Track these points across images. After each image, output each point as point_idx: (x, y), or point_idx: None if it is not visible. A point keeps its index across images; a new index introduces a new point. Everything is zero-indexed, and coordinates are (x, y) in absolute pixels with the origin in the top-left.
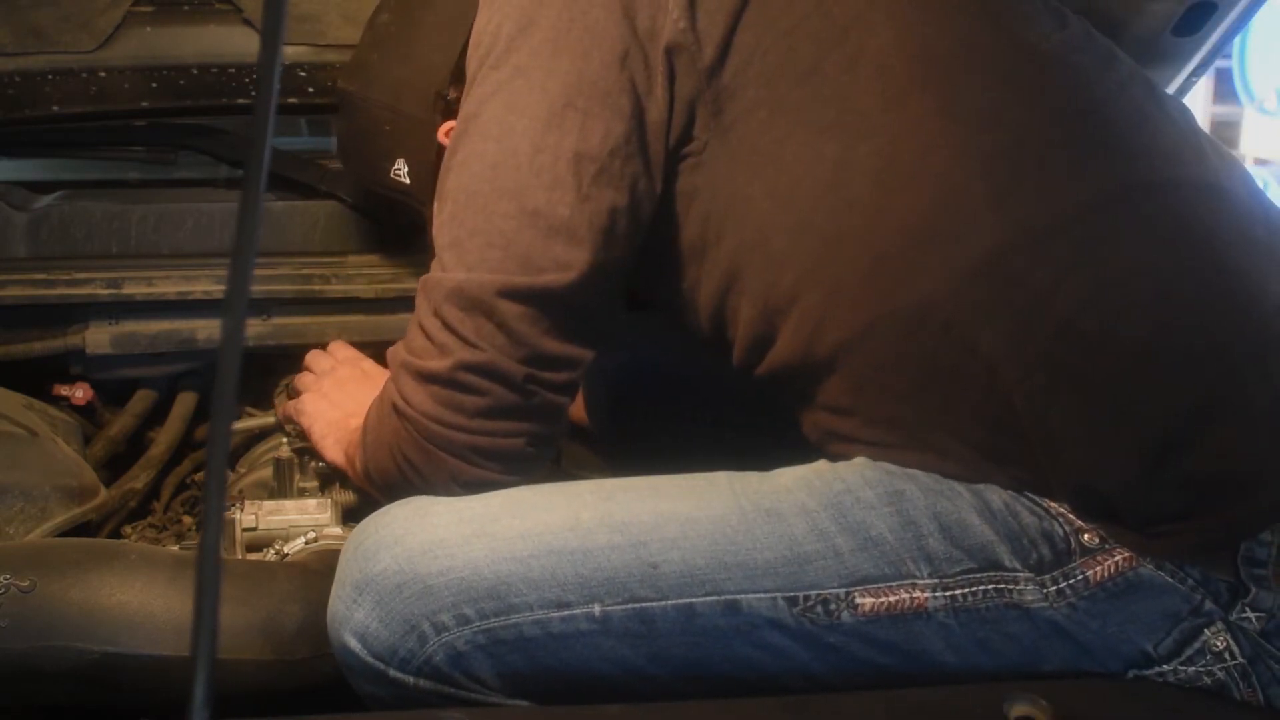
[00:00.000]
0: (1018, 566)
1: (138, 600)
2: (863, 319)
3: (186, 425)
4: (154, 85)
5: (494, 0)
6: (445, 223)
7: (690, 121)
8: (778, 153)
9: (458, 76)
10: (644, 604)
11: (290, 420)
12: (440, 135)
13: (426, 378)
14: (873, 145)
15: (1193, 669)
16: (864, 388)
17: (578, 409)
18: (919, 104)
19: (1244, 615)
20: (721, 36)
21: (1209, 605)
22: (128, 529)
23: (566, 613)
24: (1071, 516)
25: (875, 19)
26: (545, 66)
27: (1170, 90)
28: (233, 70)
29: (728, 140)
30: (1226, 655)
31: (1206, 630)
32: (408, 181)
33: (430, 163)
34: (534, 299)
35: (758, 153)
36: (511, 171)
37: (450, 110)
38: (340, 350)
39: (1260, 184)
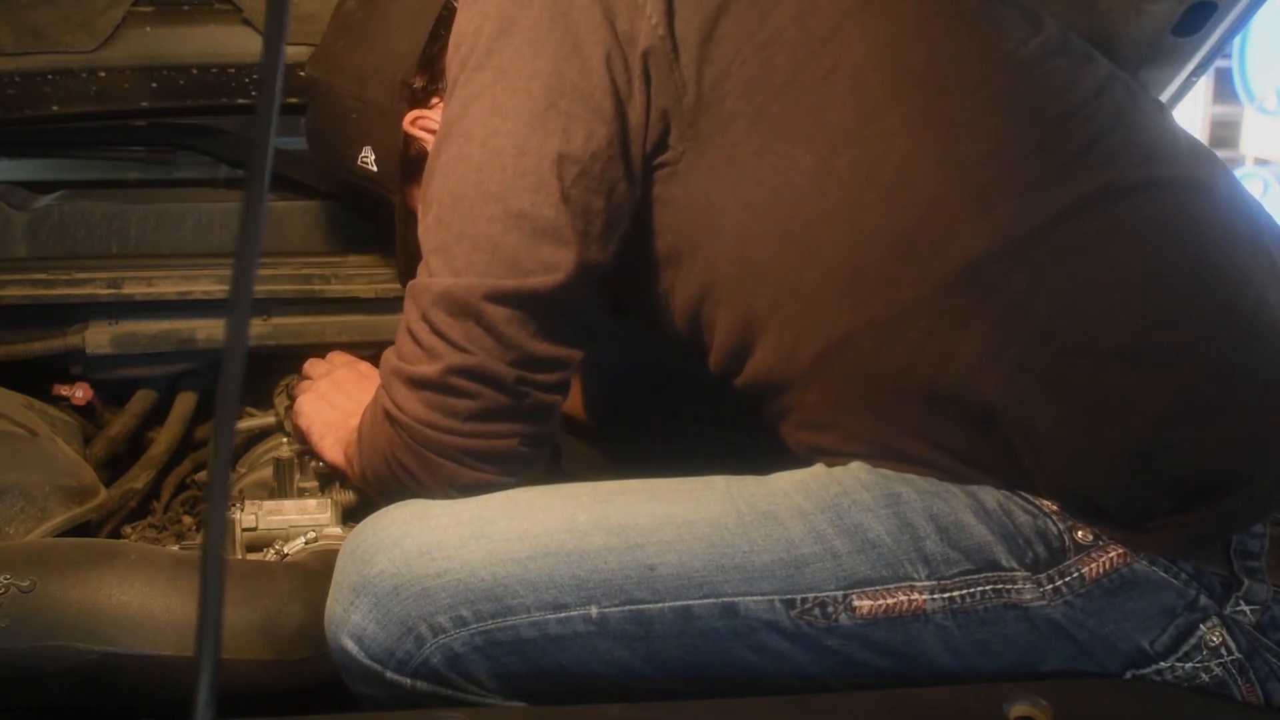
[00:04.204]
0: (1014, 566)
1: (138, 600)
2: (840, 330)
3: (186, 425)
4: (154, 85)
5: (474, 0)
6: (431, 227)
7: (665, 131)
8: (755, 164)
9: (424, 65)
10: (641, 606)
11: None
12: (406, 124)
13: (417, 383)
14: (851, 158)
15: (1190, 665)
16: (843, 400)
17: (577, 408)
18: (896, 116)
19: (1238, 609)
20: (698, 45)
21: (1203, 600)
22: (128, 529)
23: (563, 614)
24: (1064, 514)
25: (852, 32)
26: (527, 68)
27: (1170, 90)
28: (233, 70)
29: (705, 151)
30: (1223, 650)
31: (1202, 625)
32: (375, 169)
33: (396, 151)
34: (522, 302)
35: (735, 164)
36: (496, 174)
37: (416, 99)
38: (337, 356)
39: (1260, 184)
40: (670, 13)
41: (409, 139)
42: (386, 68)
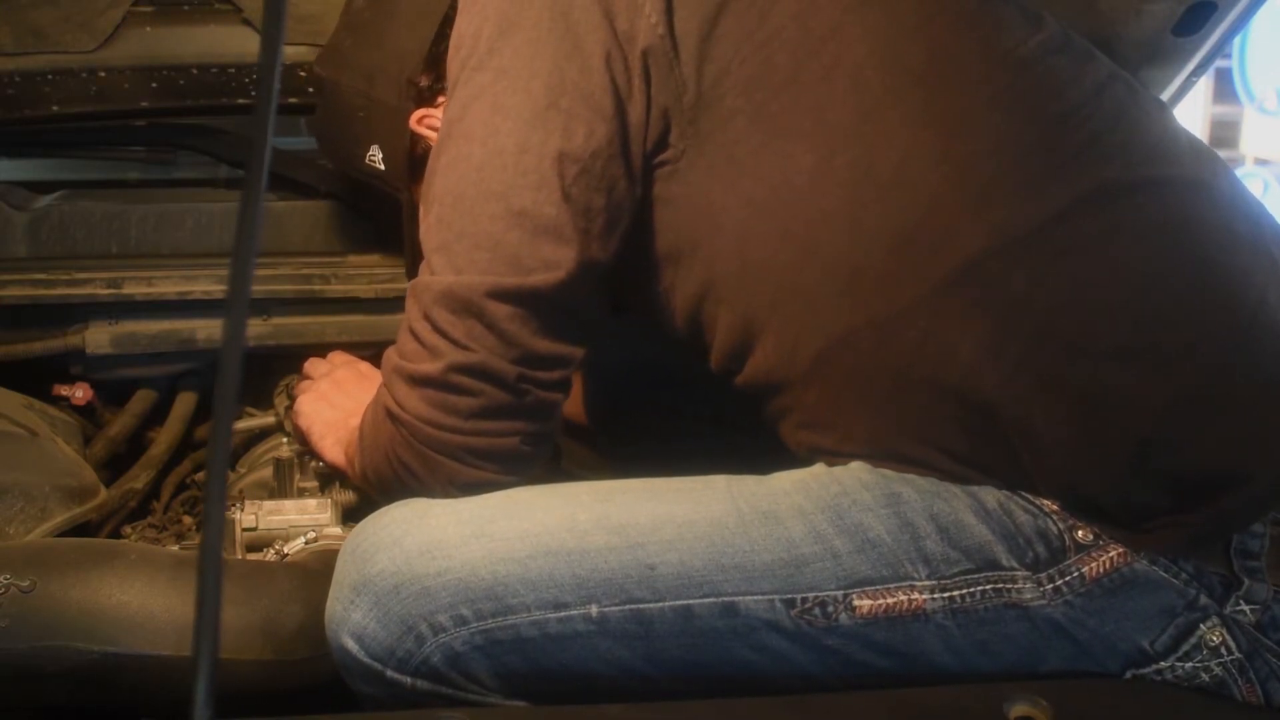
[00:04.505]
0: (1015, 565)
1: (138, 600)
2: (840, 329)
3: (186, 425)
4: (154, 85)
5: (474, 2)
6: (433, 226)
7: (666, 129)
8: (755, 162)
9: (430, 64)
10: (641, 605)
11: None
12: (413, 123)
13: (419, 381)
14: (850, 156)
15: (1190, 665)
16: (843, 399)
17: (577, 408)
18: (895, 114)
19: (1238, 608)
20: (697, 44)
21: (1203, 599)
22: (128, 529)
23: (564, 614)
24: (1064, 513)
25: (852, 31)
26: (528, 67)
27: (1170, 90)
28: (233, 70)
29: (705, 149)
30: (1223, 650)
31: (1202, 625)
32: (382, 167)
33: (403, 149)
34: (523, 299)
35: (734, 162)
36: (497, 172)
37: (423, 97)
38: (337, 356)
39: (1260, 184)
40: (670, 11)
41: (415, 137)
42: (393, 66)
